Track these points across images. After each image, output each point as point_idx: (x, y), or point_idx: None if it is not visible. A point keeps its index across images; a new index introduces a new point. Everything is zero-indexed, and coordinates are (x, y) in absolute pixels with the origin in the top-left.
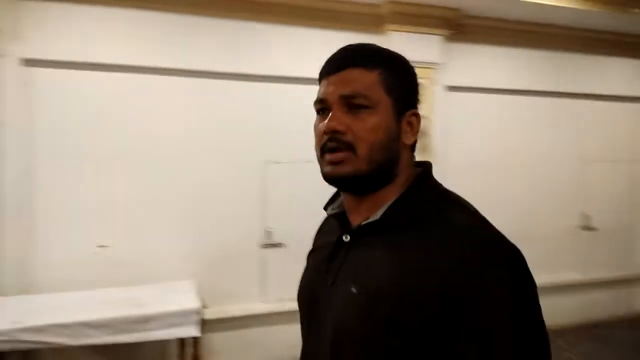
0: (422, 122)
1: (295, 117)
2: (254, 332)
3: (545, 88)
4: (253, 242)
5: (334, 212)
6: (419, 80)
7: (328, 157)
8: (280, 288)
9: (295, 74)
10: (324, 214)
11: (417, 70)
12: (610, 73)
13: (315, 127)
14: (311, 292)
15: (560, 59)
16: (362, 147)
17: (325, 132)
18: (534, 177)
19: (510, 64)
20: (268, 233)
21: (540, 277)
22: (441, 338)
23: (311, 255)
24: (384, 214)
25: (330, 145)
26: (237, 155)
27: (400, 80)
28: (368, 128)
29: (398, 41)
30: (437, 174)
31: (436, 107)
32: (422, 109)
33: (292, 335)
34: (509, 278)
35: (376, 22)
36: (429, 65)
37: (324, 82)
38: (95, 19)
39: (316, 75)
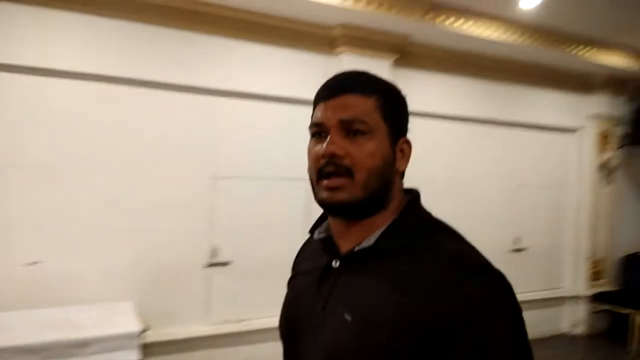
0: None
1: (244, 133)
2: (198, 355)
3: (483, 116)
4: (198, 261)
5: (321, 236)
6: None
7: (326, 182)
8: (225, 309)
9: (246, 89)
10: (271, 232)
11: None
12: (541, 104)
13: (310, 150)
14: (298, 317)
15: (498, 88)
16: (360, 172)
17: (323, 156)
18: (471, 200)
19: (451, 91)
20: (214, 251)
21: None
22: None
23: (294, 280)
24: (377, 241)
25: (328, 170)
26: (184, 170)
27: (395, 108)
28: (366, 153)
29: (348, 63)
30: None
31: None
32: None
33: (236, 358)
34: (501, 303)
35: (328, 43)
36: None
37: (321, 106)
38: (40, 23)
39: (267, 92)
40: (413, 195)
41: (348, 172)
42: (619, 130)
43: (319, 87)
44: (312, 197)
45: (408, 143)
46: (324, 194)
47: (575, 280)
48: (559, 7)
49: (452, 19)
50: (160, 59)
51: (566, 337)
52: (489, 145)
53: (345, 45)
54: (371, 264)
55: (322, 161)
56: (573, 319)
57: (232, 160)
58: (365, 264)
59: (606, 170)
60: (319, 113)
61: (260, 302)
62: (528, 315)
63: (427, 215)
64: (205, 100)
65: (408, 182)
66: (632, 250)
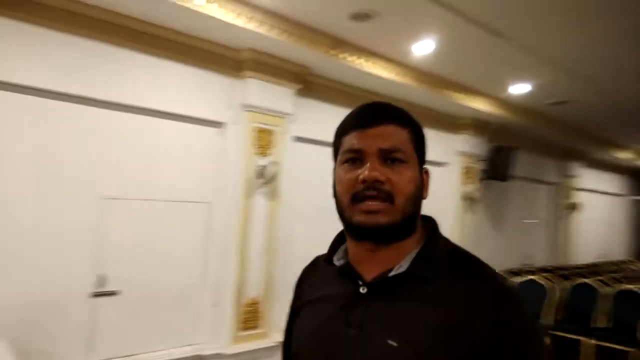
0: (273, 168)
1: (139, 151)
2: None
3: None
4: (82, 291)
5: (340, 262)
6: (274, 129)
7: (366, 205)
8: (112, 343)
9: (144, 104)
10: (166, 258)
11: (270, 119)
12: None
13: (343, 175)
14: (326, 346)
15: None
16: (400, 197)
17: (364, 181)
18: (336, 225)
19: None
20: (101, 279)
21: None
22: None
23: (311, 306)
24: (411, 266)
25: (369, 194)
26: (68, 188)
27: (421, 140)
28: (405, 180)
29: (255, 88)
30: (284, 218)
31: (285, 155)
32: (274, 156)
33: None
34: (533, 326)
35: (235, 67)
36: (281, 115)
37: (357, 133)
38: None
39: (167, 109)
40: (433, 223)
41: (389, 198)
42: (479, 166)
43: (231, 108)
44: (212, 221)
45: (428, 173)
46: (361, 217)
47: None
48: (443, 57)
49: (354, 57)
50: (47, 64)
51: None
52: None
53: (252, 70)
54: (406, 289)
55: (361, 186)
56: None
57: (124, 180)
58: (399, 289)
59: (468, 200)
60: (354, 140)
61: (153, 334)
62: None
63: (450, 241)
64: (97, 113)
65: (312, 209)
66: None
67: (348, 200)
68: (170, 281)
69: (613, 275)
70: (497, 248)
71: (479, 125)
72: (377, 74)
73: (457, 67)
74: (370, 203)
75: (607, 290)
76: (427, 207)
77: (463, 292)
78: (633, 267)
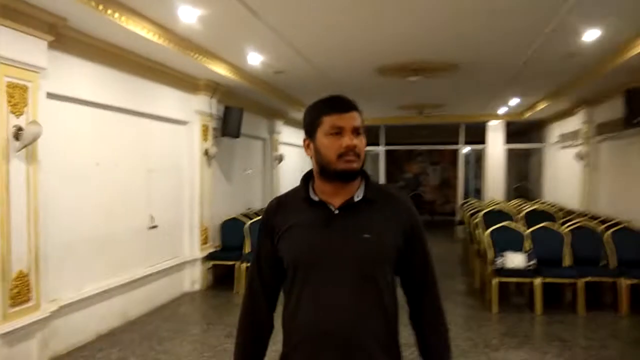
0: (34, 128)
1: None
2: None
3: (122, 105)
4: None
5: (316, 198)
6: (28, 84)
7: (349, 158)
8: None
9: None
10: None
11: (23, 73)
12: (165, 99)
13: (329, 143)
14: (320, 249)
15: (136, 82)
16: (362, 154)
17: (349, 147)
18: (111, 184)
19: (99, 79)
20: None
21: (117, 278)
22: (409, 240)
23: (293, 228)
24: (365, 194)
25: (350, 153)
26: None
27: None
28: (364, 145)
29: (5, 37)
30: (46, 182)
31: (39, 113)
32: (29, 114)
33: None
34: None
35: None
36: (35, 69)
37: (338, 116)
38: None
39: None
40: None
41: (357, 155)
42: (214, 125)
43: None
44: None
45: None
46: (344, 165)
47: (191, 247)
48: (202, 24)
49: (116, 14)
50: None
51: (189, 294)
52: (126, 133)
53: (1, 17)
54: (364, 207)
55: (344, 149)
56: (192, 279)
57: None
58: (358, 208)
59: (207, 156)
60: (335, 121)
61: None
62: (159, 284)
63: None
64: None
65: (69, 169)
66: (224, 218)
67: (335, 157)
68: None
69: None
70: (227, 196)
71: (211, 87)
72: (138, 33)
73: (210, 34)
74: (350, 158)
75: None
76: (173, 163)
77: (392, 203)
78: None
